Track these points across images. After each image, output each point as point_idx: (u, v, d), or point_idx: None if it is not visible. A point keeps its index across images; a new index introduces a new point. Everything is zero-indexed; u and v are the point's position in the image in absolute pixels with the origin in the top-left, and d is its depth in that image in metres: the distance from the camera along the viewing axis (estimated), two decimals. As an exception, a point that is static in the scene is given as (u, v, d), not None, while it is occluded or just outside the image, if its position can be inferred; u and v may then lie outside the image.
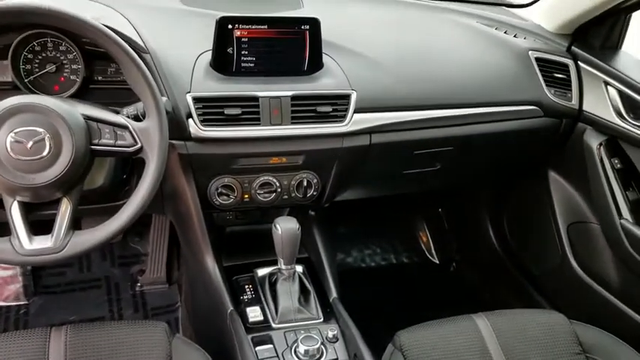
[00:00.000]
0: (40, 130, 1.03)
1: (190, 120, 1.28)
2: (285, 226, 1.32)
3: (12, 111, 1.03)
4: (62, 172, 1.04)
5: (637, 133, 1.50)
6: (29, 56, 1.27)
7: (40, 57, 1.28)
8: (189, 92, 1.29)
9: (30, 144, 1.03)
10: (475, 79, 1.54)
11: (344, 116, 1.38)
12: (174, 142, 1.28)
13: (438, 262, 2.31)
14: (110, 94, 1.33)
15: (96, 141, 1.09)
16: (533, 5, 1.79)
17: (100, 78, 1.34)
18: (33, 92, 1.28)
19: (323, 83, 1.39)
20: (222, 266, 1.47)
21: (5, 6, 1.02)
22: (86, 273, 2.10)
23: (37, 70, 1.28)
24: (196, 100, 1.29)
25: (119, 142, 1.10)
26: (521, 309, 1.39)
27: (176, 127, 1.26)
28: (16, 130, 1.02)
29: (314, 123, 1.36)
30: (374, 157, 1.48)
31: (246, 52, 1.35)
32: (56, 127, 1.04)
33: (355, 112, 1.38)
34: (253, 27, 1.33)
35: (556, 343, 1.25)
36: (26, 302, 1.95)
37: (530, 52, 1.63)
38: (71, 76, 1.31)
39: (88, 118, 1.09)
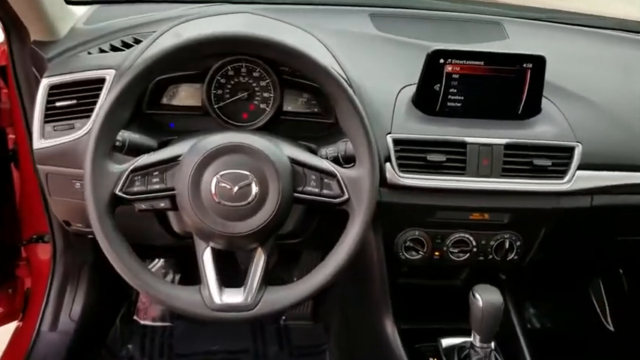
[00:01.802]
0: (248, 173, 0.93)
1: (387, 164, 1.14)
2: (487, 298, 1.12)
3: (220, 151, 0.93)
4: (265, 221, 0.93)
5: None
6: (222, 81, 1.18)
7: (232, 82, 1.19)
8: (390, 133, 1.14)
9: (236, 189, 0.92)
10: None
11: (564, 172, 1.17)
12: None
13: (612, 329, 2.00)
14: (300, 126, 1.21)
15: (300, 188, 0.97)
16: None
17: (289, 108, 1.22)
18: (222, 119, 1.19)
19: (541, 131, 1.19)
20: (401, 329, 1.30)
21: (234, 35, 0.92)
22: None
23: (227, 96, 1.19)
24: (397, 142, 1.14)
25: (324, 192, 0.97)
26: None
27: None
28: (222, 173, 0.92)
29: (528, 177, 1.17)
30: (591, 221, 1.25)
31: (455, 90, 1.18)
32: (264, 171, 0.93)
33: (578, 168, 1.17)
34: (467, 62, 1.16)
35: None
36: (170, 324, 1.89)
37: None
38: (261, 105, 1.20)
39: (294, 161, 0.97)
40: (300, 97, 1.22)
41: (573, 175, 1.17)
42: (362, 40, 1.34)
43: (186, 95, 1.21)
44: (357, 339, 1.55)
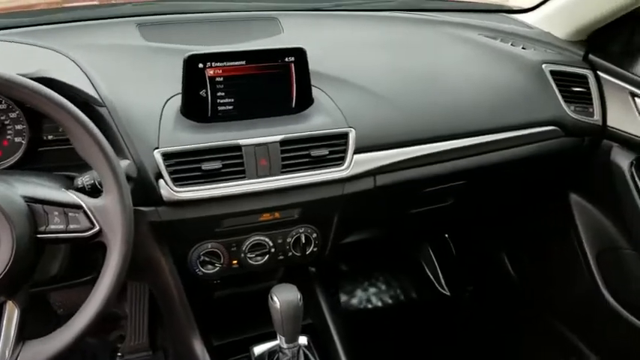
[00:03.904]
0: None
1: (161, 181, 1.07)
2: (284, 298, 1.10)
3: None
4: (1, 274, 0.82)
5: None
6: None
7: None
8: (158, 148, 1.08)
9: None
10: (485, 103, 1.35)
11: (342, 159, 1.18)
12: (142, 208, 1.07)
13: (449, 293, 2.11)
14: (64, 155, 1.11)
15: (42, 228, 0.87)
16: (538, 9, 1.60)
17: (50, 137, 1.12)
18: None
19: (315, 122, 1.19)
20: (213, 347, 1.24)
21: None
22: None
23: None
24: (166, 156, 1.08)
25: (72, 227, 0.89)
26: None
27: (144, 191, 1.05)
28: None
29: (309, 170, 1.16)
30: (379, 200, 1.28)
31: (223, 94, 1.14)
32: None
33: (355, 152, 1.19)
34: (228, 64, 1.12)
35: None
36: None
37: (544, 66, 1.44)
38: (15, 139, 1.09)
39: (30, 200, 0.87)
40: None
41: (351, 161, 1.18)
42: (127, 53, 1.25)
43: None
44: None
